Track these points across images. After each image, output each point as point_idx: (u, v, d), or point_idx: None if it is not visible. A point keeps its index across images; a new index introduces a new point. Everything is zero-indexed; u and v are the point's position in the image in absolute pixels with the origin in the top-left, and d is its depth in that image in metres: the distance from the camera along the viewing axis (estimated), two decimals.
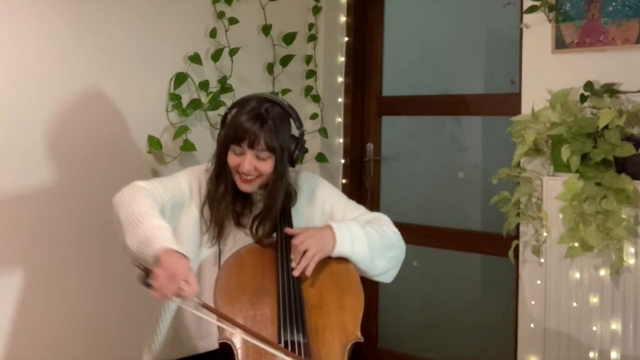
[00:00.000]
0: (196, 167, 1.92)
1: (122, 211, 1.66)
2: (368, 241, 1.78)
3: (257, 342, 1.52)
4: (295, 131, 1.84)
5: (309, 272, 1.70)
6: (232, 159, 1.76)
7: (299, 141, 1.84)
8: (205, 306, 1.53)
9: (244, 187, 1.78)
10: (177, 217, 1.80)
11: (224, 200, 1.80)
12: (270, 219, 1.80)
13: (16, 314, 2.10)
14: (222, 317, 1.56)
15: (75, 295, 2.24)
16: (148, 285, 1.47)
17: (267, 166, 1.75)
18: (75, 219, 2.23)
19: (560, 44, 2.48)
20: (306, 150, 1.92)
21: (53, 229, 2.17)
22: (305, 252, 1.71)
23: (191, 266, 1.55)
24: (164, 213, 1.73)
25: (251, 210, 1.84)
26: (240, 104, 1.81)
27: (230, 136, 1.75)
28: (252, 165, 1.73)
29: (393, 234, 1.87)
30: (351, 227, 1.79)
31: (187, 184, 1.83)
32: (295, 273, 1.70)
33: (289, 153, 1.80)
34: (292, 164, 1.84)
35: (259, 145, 1.72)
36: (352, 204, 1.96)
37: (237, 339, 1.59)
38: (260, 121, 1.73)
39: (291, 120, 1.83)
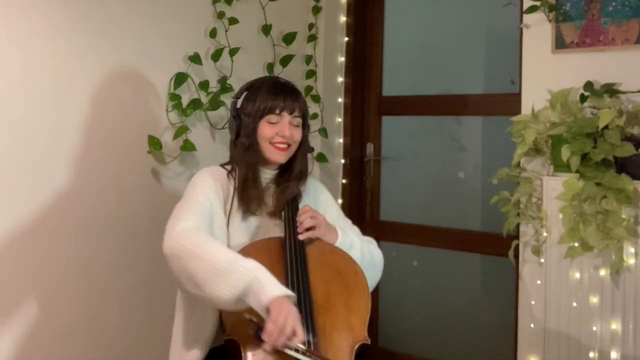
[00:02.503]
0: (203, 175, 1.87)
1: (193, 261, 1.57)
2: (361, 254, 1.88)
3: None
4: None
5: (302, 237, 1.78)
6: (267, 130, 1.83)
7: (307, 118, 1.97)
8: (310, 353, 1.53)
9: (279, 156, 1.85)
10: (212, 226, 1.80)
11: (255, 184, 1.86)
12: (295, 184, 1.88)
13: (16, 313, 2.10)
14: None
15: (77, 294, 2.24)
16: (258, 338, 1.50)
17: (299, 133, 1.88)
18: (74, 219, 2.23)
19: (560, 44, 2.48)
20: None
21: (53, 228, 2.17)
22: (313, 216, 1.81)
23: (297, 312, 1.53)
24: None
25: (263, 198, 1.88)
26: (255, 84, 1.90)
27: (267, 108, 1.82)
28: (290, 130, 1.84)
29: (378, 258, 1.97)
30: (351, 236, 1.90)
31: (204, 197, 1.80)
32: (300, 229, 1.79)
33: (307, 126, 1.93)
34: (306, 139, 1.95)
35: (296, 110, 1.84)
36: (348, 222, 2.03)
37: (242, 336, 1.58)
38: (291, 90, 1.87)
39: None
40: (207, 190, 1.81)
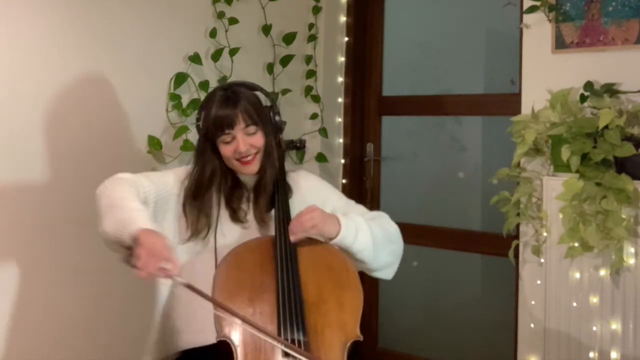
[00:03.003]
0: (185, 167, 1.93)
1: (102, 199, 1.67)
2: (371, 233, 1.80)
3: (253, 330, 1.52)
4: (266, 103, 1.90)
5: (293, 239, 1.73)
6: (226, 150, 1.79)
7: (273, 108, 1.89)
8: (191, 287, 1.52)
9: (249, 169, 1.81)
10: (163, 212, 1.81)
11: (208, 190, 1.82)
12: (267, 189, 1.83)
13: (15, 313, 2.10)
14: (214, 302, 1.56)
15: (75, 293, 2.24)
16: (132, 266, 1.50)
17: (259, 139, 1.80)
18: (74, 219, 2.23)
19: (560, 44, 2.48)
20: (284, 123, 1.94)
21: (53, 228, 2.17)
22: (306, 222, 1.74)
23: (170, 244, 1.55)
24: (147, 206, 1.74)
25: (248, 205, 1.86)
26: (204, 103, 1.86)
27: (213, 130, 1.78)
28: (246, 143, 1.77)
29: (394, 230, 1.90)
30: (355, 219, 1.82)
31: (176, 180, 1.84)
32: (292, 238, 1.73)
33: (271, 121, 1.86)
34: (279, 131, 1.90)
35: (242, 121, 1.77)
36: (352, 203, 1.97)
37: (236, 336, 1.59)
38: (232, 101, 1.78)
39: (258, 93, 1.89)
40: (182, 175, 1.85)
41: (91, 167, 2.28)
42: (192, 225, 1.81)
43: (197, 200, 1.82)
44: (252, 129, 1.78)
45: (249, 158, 1.79)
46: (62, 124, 2.19)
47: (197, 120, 1.86)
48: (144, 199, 1.74)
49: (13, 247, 2.08)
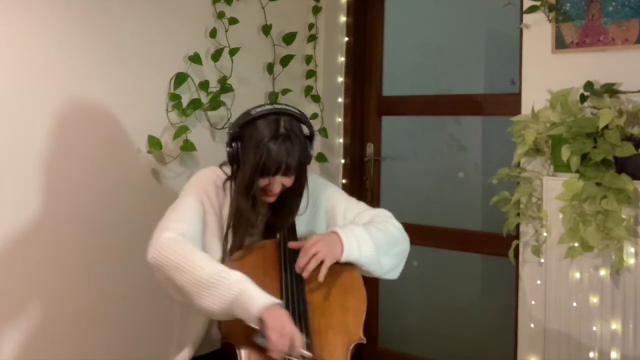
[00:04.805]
0: (201, 178, 1.88)
1: (178, 273, 1.60)
2: (374, 243, 1.80)
3: None
4: (306, 131, 1.85)
5: (321, 278, 1.70)
6: (260, 182, 1.77)
7: (311, 139, 1.85)
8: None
9: (269, 199, 1.81)
10: (204, 235, 1.79)
11: (250, 216, 1.80)
12: (283, 225, 1.83)
13: (16, 314, 2.10)
14: None
15: (77, 294, 2.24)
16: (262, 345, 1.53)
17: (291, 181, 1.79)
18: (74, 219, 2.23)
19: (560, 44, 2.48)
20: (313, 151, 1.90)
21: (53, 228, 2.17)
22: (314, 255, 1.72)
23: (289, 315, 1.57)
24: (199, 244, 1.73)
25: (257, 216, 1.86)
26: (258, 121, 1.77)
27: (263, 169, 1.73)
28: (279, 185, 1.77)
29: (396, 230, 1.89)
30: (356, 231, 1.80)
31: (198, 202, 1.79)
32: (305, 274, 1.71)
33: (307, 161, 1.83)
34: (309, 160, 1.86)
35: (289, 172, 1.76)
36: (353, 201, 1.97)
37: (239, 338, 1.59)
38: (287, 147, 1.73)
39: (303, 125, 1.84)
40: (202, 195, 1.80)
41: (91, 167, 2.28)
42: (236, 239, 1.80)
43: (239, 217, 1.80)
44: (290, 174, 1.77)
45: (275, 195, 1.79)
46: (62, 124, 2.19)
47: (237, 132, 1.79)
48: (196, 243, 1.71)
49: (14, 247, 2.08)
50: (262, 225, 1.87)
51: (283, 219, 1.84)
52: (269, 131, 1.74)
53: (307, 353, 1.54)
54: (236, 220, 1.79)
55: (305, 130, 1.84)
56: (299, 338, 1.53)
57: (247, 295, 1.53)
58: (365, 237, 1.79)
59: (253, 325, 1.53)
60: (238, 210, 1.78)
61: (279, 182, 1.76)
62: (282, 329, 1.50)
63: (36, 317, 2.15)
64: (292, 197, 1.83)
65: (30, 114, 2.11)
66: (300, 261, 1.72)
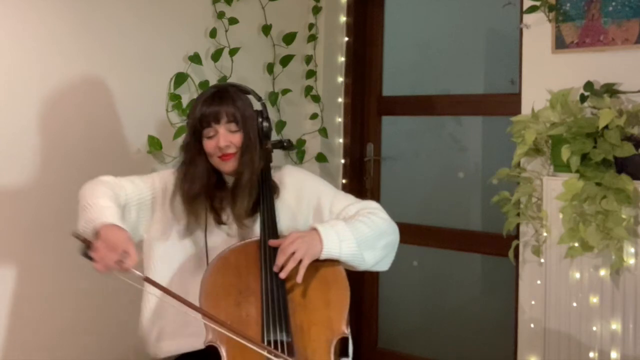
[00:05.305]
0: (166, 171, 1.95)
1: (80, 201, 1.71)
2: (356, 238, 1.74)
3: (225, 331, 1.52)
4: (257, 107, 1.91)
5: (299, 279, 1.66)
6: (208, 145, 1.81)
7: (262, 113, 1.90)
8: (149, 280, 1.56)
9: (227, 165, 1.81)
10: (150, 216, 1.85)
11: (197, 186, 1.82)
12: (246, 190, 1.80)
13: (13, 314, 2.10)
14: (173, 296, 1.56)
15: (73, 295, 2.24)
16: (89, 257, 1.51)
17: (239, 138, 1.81)
18: (75, 219, 2.23)
19: (560, 44, 2.48)
20: (270, 129, 1.93)
21: (52, 229, 2.17)
22: (293, 254, 1.68)
23: (131, 237, 1.59)
24: (129, 209, 1.79)
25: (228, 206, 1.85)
26: (195, 100, 1.90)
27: (199, 124, 1.80)
28: (227, 139, 1.79)
29: (382, 221, 1.83)
30: (337, 227, 1.75)
31: (162, 181, 1.88)
32: (282, 275, 1.67)
33: (256, 124, 1.87)
34: (267, 137, 1.90)
35: (224, 117, 1.79)
36: (340, 194, 1.93)
37: (223, 339, 1.58)
38: (218, 99, 1.81)
39: (249, 96, 1.91)
40: (157, 179, 1.89)
41: (91, 167, 2.27)
42: (183, 225, 1.83)
43: (187, 201, 1.81)
44: (233, 126, 1.80)
45: (229, 152, 1.80)
46: (62, 124, 2.19)
47: (187, 117, 1.89)
48: (125, 202, 1.78)
49: (13, 247, 2.08)
50: (232, 221, 1.84)
51: (243, 197, 1.80)
52: (201, 99, 1.84)
53: (138, 272, 1.52)
54: (188, 204, 1.80)
55: (256, 105, 1.91)
56: (132, 258, 1.52)
57: (100, 214, 1.60)
58: (347, 233, 1.74)
59: (75, 234, 1.55)
60: (183, 183, 1.82)
61: (224, 136, 1.79)
62: (113, 243, 1.51)
63: (36, 317, 2.15)
64: (246, 161, 1.81)
65: (30, 114, 2.11)
66: (278, 260, 1.68)
